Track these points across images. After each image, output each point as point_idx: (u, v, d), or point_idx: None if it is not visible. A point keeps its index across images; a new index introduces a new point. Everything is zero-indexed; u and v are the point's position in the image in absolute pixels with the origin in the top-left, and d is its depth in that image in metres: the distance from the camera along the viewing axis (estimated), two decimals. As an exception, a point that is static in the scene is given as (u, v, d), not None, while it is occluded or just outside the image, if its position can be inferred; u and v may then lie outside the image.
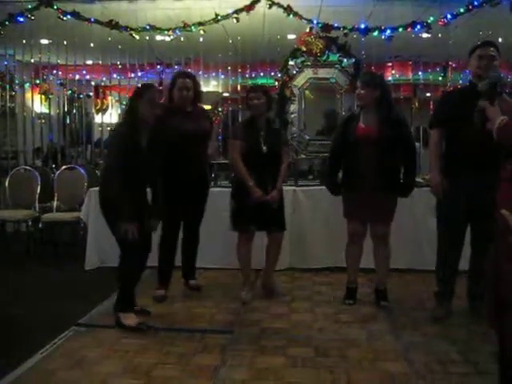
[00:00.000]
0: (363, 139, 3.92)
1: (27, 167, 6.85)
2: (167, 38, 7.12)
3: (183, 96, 4.26)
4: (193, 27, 6.82)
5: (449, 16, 6.49)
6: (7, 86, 8.25)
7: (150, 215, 3.81)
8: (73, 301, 4.28)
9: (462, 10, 6.41)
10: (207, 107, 5.01)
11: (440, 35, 6.64)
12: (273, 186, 4.22)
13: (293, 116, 6.00)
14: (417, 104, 8.84)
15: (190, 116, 4.30)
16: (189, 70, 6.98)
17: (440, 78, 8.45)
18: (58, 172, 6.65)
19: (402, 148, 3.96)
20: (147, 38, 7.18)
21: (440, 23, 6.56)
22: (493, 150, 3.53)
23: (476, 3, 6.32)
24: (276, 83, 6.28)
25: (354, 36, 6.66)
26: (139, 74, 7.97)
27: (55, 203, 6.42)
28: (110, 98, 9.46)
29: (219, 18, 6.70)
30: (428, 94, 8.52)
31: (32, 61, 7.81)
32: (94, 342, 3.44)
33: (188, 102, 4.31)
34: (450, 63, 8.23)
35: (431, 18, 6.60)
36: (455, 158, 3.69)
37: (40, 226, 6.14)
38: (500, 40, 6.77)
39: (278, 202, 4.25)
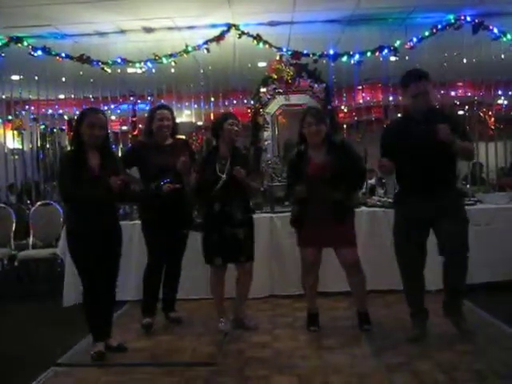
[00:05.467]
0: (318, 176, 3.94)
1: (1, 205, 6.76)
2: (139, 71, 7.16)
3: (163, 125, 4.29)
4: (164, 59, 6.90)
5: (414, 39, 6.67)
6: (-21, 123, 8.19)
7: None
8: (51, 339, 4.20)
9: (426, 33, 6.60)
10: (182, 137, 5.01)
11: (407, 58, 6.77)
12: (242, 217, 4.18)
13: (266, 143, 6.03)
14: (388, 124, 8.92)
15: (169, 150, 4.31)
16: (161, 100, 7.04)
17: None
18: (33, 208, 6.57)
19: (352, 169, 3.99)
20: (119, 71, 7.20)
21: (406, 46, 6.73)
22: (439, 174, 3.67)
23: (440, 26, 6.51)
24: (249, 111, 6.32)
25: (324, 62, 6.79)
26: (112, 106, 7.97)
27: (31, 240, 6.33)
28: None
29: (190, 49, 6.79)
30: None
31: (3, 97, 7.77)
32: (74, 382, 3.37)
33: (167, 132, 4.34)
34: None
35: (398, 42, 6.77)
36: (405, 185, 3.87)
37: (16, 264, 6.03)
38: (464, 61, 7.00)
39: (246, 232, 4.20)
